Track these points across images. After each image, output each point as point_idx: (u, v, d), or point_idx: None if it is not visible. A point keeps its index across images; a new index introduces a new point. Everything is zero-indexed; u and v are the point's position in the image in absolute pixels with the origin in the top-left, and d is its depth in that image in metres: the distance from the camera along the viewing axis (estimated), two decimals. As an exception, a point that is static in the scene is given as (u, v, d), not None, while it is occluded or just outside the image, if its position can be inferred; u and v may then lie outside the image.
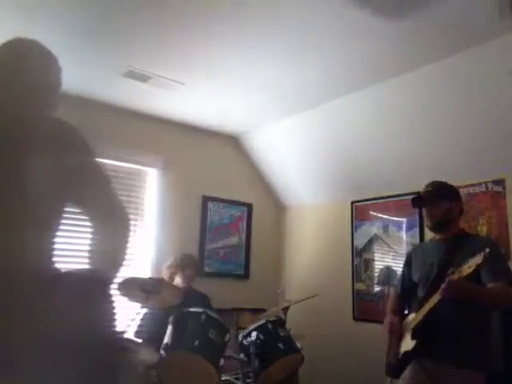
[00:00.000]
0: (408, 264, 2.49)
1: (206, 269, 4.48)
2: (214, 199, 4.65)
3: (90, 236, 1.44)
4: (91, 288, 1.36)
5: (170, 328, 2.69)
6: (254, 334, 2.85)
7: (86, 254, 1.43)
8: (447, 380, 2.09)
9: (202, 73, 3.41)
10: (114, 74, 3.44)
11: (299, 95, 3.74)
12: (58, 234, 1.41)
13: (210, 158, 4.68)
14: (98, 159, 1.49)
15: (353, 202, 4.34)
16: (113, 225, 1.46)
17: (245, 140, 4.85)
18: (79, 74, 3.45)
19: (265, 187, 5.08)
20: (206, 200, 4.60)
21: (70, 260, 3.38)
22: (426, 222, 2.37)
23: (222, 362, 2.65)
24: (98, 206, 1.46)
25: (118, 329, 1.46)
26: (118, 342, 1.52)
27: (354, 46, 2.94)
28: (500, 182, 3.29)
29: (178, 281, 3.48)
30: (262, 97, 3.82)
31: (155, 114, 4.23)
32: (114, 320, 1.40)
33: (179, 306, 2.89)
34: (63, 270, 1.39)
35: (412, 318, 2.26)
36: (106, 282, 1.43)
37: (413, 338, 2.16)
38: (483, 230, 3.34)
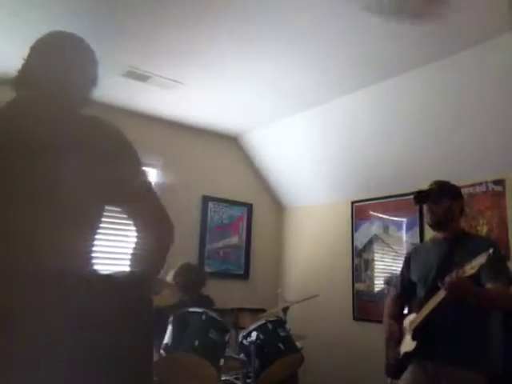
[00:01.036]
0: (407, 264, 2.49)
1: (206, 269, 4.47)
2: (214, 199, 4.65)
3: (135, 241, 1.40)
4: (132, 291, 1.34)
5: (169, 328, 2.68)
6: (253, 334, 2.84)
7: (126, 257, 1.40)
8: (448, 381, 2.09)
9: (201, 73, 3.41)
10: (113, 74, 3.44)
11: (299, 95, 3.74)
12: (98, 237, 1.38)
13: (210, 158, 4.68)
14: (141, 162, 1.43)
15: (353, 202, 4.34)
16: (157, 232, 1.41)
17: (245, 140, 4.85)
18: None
19: (265, 187, 5.08)
20: (206, 200, 4.60)
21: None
22: (427, 219, 2.37)
23: (222, 362, 2.64)
24: (139, 209, 1.41)
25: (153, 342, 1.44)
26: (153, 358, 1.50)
27: (354, 45, 2.94)
28: (500, 182, 3.29)
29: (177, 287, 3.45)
30: (262, 97, 3.82)
31: (155, 113, 4.23)
32: (151, 323, 1.39)
33: (179, 306, 2.88)
34: (101, 272, 1.36)
35: (412, 318, 2.26)
36: (146, 285, 1.42)
37: (413, 338, 2.15)
38: (483, 229, 3.33)
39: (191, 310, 2.76)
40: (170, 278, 3.45)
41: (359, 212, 4.28)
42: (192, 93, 3.77)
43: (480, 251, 2.10)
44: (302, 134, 4.31)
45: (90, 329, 1.19)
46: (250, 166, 4.99)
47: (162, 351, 2.60)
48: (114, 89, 3.72)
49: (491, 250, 1.95)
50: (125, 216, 1.43)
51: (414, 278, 2.39)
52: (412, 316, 2.27)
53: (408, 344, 2.18)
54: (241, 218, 4.84)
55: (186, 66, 3.32)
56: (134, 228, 1.41)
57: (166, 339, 2.63)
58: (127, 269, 1.40)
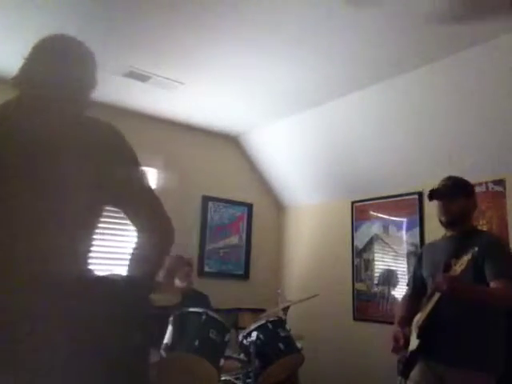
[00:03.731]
0: (419, 262, 2.48)
1: (206, 269, 4.48)
2: (214, 199, 4.65)
3: (135, 241, 1.41)
4: (130, 293, 1.34)
5: (170, 328, 2.68)
6: (254, 334, 2.84)
7: (124, 258, 1.41)
8: (453, 380, 2.09)
9: (202, 73, 3.42)
10: (113, 74, 3.44)
11: (299, 95, 3.74)
12: (95, 237, 1.38)
13: (210, 158, 4.68)
14: (138, 162, 1.43)
15: (353, 202, 4.34)
16: (157, 235, 1.41)
17: (245, 140, 4.85)
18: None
19: (265, 187, 5.08)
20: (206, 200, 4.60)
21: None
22: (440, 217, 2.31)
23: (222, 362, 2.64)
24: (139, 210, 1.41)
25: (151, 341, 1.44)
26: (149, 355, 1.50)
27: (355, 46, 2.95)
28: (500, 182, 3.29)
29: (176, 281, 3.48)
30: (262, 97, 3.82)
31: (155, 113, 4.23)
32: (147, 326, 1.39)
33: (179, 306, 2.89)
34: (98, 273, 1.36)
35: (419, 316, 2.26)
36: (142, 286, 1.41)
37: (418, 337, 2.16)
38: (483, 230, 3.33)
39: (191, 309, 2.76)
40: (173, 269, 3.48)
41: (359, 212, 4.28)
42: (192, 93, 3.77)
43: (487, 248, 2.11)
44: (301, 133, 4.31)
45: (83, 330, 1.19)
46: (250, 166, 4.99)
47: (162, 351, 2.60)
48: (114, 89, 3.72)
49: (476, 249, 1.96)
50: (125, 217, 1.43)
51: (425, 275, 2.39)
52: (419, 315, 2.27)
53: (414, 342, 2.18)
54: (241, 218, 4.84)
55: (186, 66, 3.32)
56: (133, 229, 1.41)
57: (166, 339, 2.63)
58: (125, 270, 1.40)
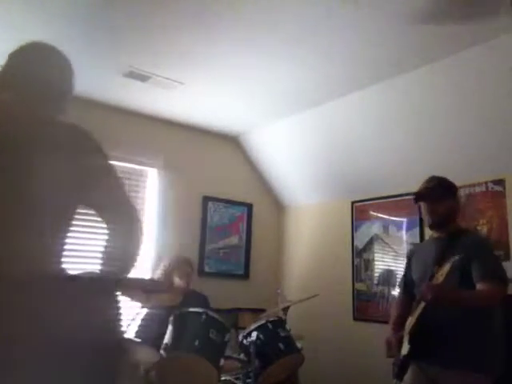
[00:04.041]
0: (409, 264, 2.48)
1: (206, 269, 4.48)
2: (214, 199, 4.65)
3: (106, 238, 1.44)
4: (100, 290, 1.37)
5: (170, 328, 2.69)
6: (254, 334, 2.84)
7: (98, 256, 1.44)
8: (446, 382, 2.08)
9: (201, 73, 3.41)
10: (113, 74, 3.44)
11: (299, 95, 3.74)
12: (69, 235, 1.41)
13: (210, 158, 4.68)
14: (110, 162, 1.49)
15: (353, 202, 4.34)
16: (126, 227, 1.46)
17: (245, 140, 4.85)
18: (79, 74, 3.43)
19: (265, 187, 5.07)
20: (206, 200, 4.60)
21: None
22: (427, 219, 2.31)
23: (222, 362, 2.64)
24: (109, 207, 1.46)
25: (123, 331, 1.47)
26: (122, 344, 1.53)
27: (355, 45, 2.94)
28: (500, 182, 3.29)
29: (176, 281, 3.48)
30: (262, 97, 3.82)
31: (155, 113, 4.22)
32: (120, 322, 1.41)
33: (179, 306, 2.89)
34: (73, 272, 1.39)
35: (410, 320, 2.25)
36: (115, 284, 1.44)
37: (409, 341, 2.15)
38: (483, 229, 3.34)
39: (191, 309, 2.76)
40: (172, 268, 3.48)
41: (359, 212, 4.29)
42: (192, 93, 3.77)
43: (474, 249, 2.11)
44: (301, 133, 4.31)
45: (53, 328, 1.21)
46: (250, 166, 4.99)
47: (162, 351, 2.60)
48: (114, 89, 3.72)
49: (457, 257, 1.98)
50: (95, 215, 1.47)
51: (415, 278, 2.39)
52: (410, 318, 2.27)
53: (405, 347, 2.18)
54: (241, 218, 4.84)
55: (186, 66, 3.32)
56: (104, 226, 1.45)
57: (166, 339, 2.63)
58: (98, 268, 1.43)
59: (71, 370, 1.21)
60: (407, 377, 2.21)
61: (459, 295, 2.09)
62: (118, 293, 1.45)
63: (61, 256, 1.38)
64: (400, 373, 2.21)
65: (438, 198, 2.26)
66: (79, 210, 1.44)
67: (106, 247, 1.44)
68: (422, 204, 2.33)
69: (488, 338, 2.12)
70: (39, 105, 1.45)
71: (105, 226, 1.45)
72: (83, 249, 3.18)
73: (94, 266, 1.44)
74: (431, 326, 2.11)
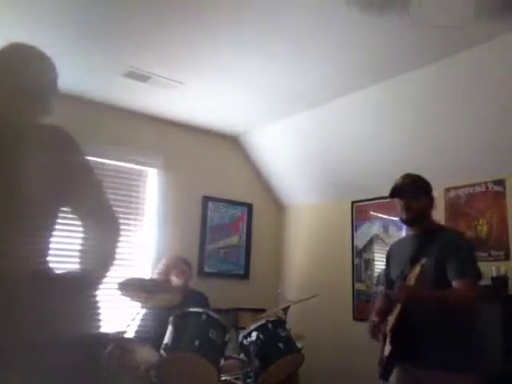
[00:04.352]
0: (387, 262, 2.49)
1: (206, 269, 4.48)
2: (214, 199, 4.65)
3: (82, 237, 1.48)
4: (79, 289, 1.40)
5: (169, 328, 2.68)
6: (254, 334, 2.84)
7: (78, 255, 1.47)
8: (432, 382, 2.07)
9: (202, 73, 3.41)
10: (114, 74, 3.44)
11: (299, 95, 3.74)
12: (54, 234, 1.44)
13: (210, 158, 4.68)
14: (89, 162, 1.53)
15: (353, 202, 4.34)
16: (104, 226, 1.50)
17: (245, 140, 4.85)
18: (79, 74, 3.45)
19: (265, 187, 5.08)
20: (205, 200, 4.60)
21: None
22: (401, 215, 2.31)
23: (222, 361, 2.64)
24: (89, 207, 1.49)
25: (102, 329, 1.49)
26: (102, 342, 1.56)
27: (354, 46, 2.95)
28: (500, 182, 3.29)
29: (174, 280, 3.48)
30: (262, 97, 3.82)
31: (155, 113, 4.22)
32: (99, 320, 1.44)
33: (179, 306, 2.89)
34: (58, 271, 1.42)
35: (390, 320, 2.24)
36: (94, 283, 1.47)
37: (390, 342, 2.14)
38: (483, 230, 3.34)
39: (191, 309, 2.76)
40: (170, 268, 3.48)
41: (359, 212, 4.29)
42: (192, 93, 3.77)
43: (449, 246, 2.11)
44: (301, 134, 4.31)
45: (40, 326, 1.24)
46: (249, 166, 4.99)
47: (162, 351, 2.60)
48: (114, 89, 3.72)
49: (424, 260, 2.01)
50: (72, 211, 1.50)
51: (393, 276, 2.38)
52: (390, 317, 2.26)
53: (387, 347, 2.16)
54: (241, 218, 4.83)
55: (186, 66, 3.32)
56: (80, 223, 1.49)
57: (166, 339, 2.63)
58: (78, 267, 1.46)
59: (52, 366, 1.24)
60: (392, 378, 2.20)
61: (433, 296, 2.09)
62: (96, 291, 1.48)
63: (46, 255, 1.41)
64: (385, 373, 2.20)
65: (412, 194, 2.27)
66: (63, 209, 1.47)
67: (83, 246, 1.47)
68: (397, 200, 2.33)
69: (472, 336, 2.10)
70: (21, 106, 1.46)
71: (81, 224, 1.49)
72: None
73: (74, 265, 1.48)
74: (413, 326, 2.10)
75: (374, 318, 2.27)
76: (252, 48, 3.03)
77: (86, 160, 1.51)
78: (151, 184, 4.32)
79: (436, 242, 2.17)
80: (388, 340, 2.16)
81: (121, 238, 1.53)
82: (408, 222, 2.31)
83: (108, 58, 3.24)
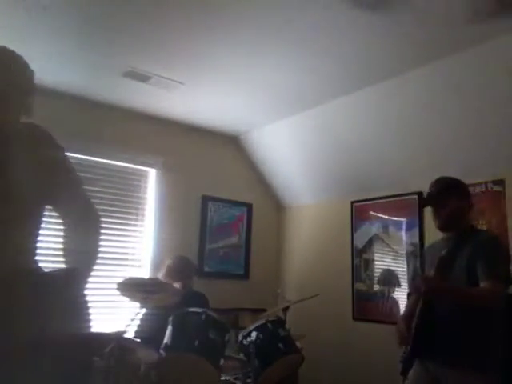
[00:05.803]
0: (422, 264, 2.48)
1: (206, 269, 4.48)
2: (214, 199, 4.65)
3: (63, 235, 1.50)
4: (65, 287, 1.41)
5: (169, 328, 2.69)
6: (253, 334, 2.84)
7: (61, 253, 1.48)
8: (448, 381, 2.08)
9: (202, 73, 3.42)
10: (114, 74, 3.44)
11: (299, 95, 3.74)
12: (40, 233, 1.46)
13: (210, 158, 4.68)
14: (69, 159, 1.55)
15: (353, 202, 4.34)
16: (85, 223, 1.52)
17: (245, 140, 4.85)
18: (79, 75, 3.45)
19: (265, 187, 5.08)
20: (205, 200, 4.60)
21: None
22: (435, 224, 2.32)
23: (222, 361, 2.65)
24: (69, 205, 1.51)
25: (92, 328, 1.51)
26: (92, 341, 1.56)
27: (355, 45, 2.95)
28: (500, 182, 3.29)
29: (176, 285, 3.48)
30: (262, 97, 3.82)
31: (155, 113, 4.22)
32: (88, 319, 1.45)
33: (179, 306, 2.89)
34: (46, 270, 1.43)
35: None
36: (81, 280, 1.48)
37: (412, 339, 2.16)
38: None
39: (191, 309, 2.76)
40: (163, 273, 3.48)
41: (359, 212, 4.28)
42: (192, 93, 3.77)
43: (479, 248, 2.11)
44: (301, 134, 4.31)
45: (26, 324, 1.25)
46: (250, 166, 4.99)
47: (161, 351, 2.60)
48: (114, 89, 3.72)
49: (444, 251, 2.05)
50: (54, 209, 1.52)
51: None
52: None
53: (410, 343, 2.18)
54: (241, 218, 4.83)
55: (186, 66, 3.32)
56: (62, 221, 1.51)
57: (166, 339, 2.64)
58: (64, 266, 1.48)
59: (40, 368, 1.24)
60: (411, 373, 2.22)
61: (454, 289, 2.10)
62: (84, 289, 1.49)
63: (34, 254, 1.42)
64: (404, 370, 2.21)
65: (441, 201, 2.27)
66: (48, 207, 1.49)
67: (65, 245, 1.49)
68: (430, 208, 2.35)
69: (490, 337, 2.10)
70: (3, 107, 1.46)
71: (63, 222, 1.51)
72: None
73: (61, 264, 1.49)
74: (434, 324, 2.11)
75: (402, 325, 2.26)
76: (252, 48, 3.03)
77: (66, 157, 1.53)
78: (151, 184, 4.32)
79: (468, 244, 2.16)
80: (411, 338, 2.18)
81: (101, 235, 1.55)
82: (440, 229, 2.32)
83: (108, 58, 3.24)
